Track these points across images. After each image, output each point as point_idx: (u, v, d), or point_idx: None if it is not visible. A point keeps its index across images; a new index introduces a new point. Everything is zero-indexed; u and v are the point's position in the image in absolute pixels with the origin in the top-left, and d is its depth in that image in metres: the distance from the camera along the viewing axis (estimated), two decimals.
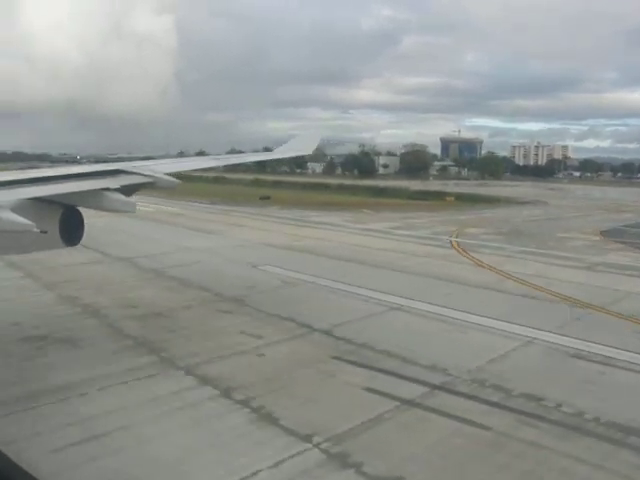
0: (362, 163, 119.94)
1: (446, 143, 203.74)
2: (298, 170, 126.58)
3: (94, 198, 7.00)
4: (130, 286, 15.23)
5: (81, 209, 7.39)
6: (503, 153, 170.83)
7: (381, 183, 78.88)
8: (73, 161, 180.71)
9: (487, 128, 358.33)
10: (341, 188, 68.85)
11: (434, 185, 79.70)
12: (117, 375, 8.94)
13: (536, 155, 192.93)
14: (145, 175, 8.20)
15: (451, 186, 78.84)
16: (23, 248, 7.52)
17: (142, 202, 41.16)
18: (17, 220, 5.44)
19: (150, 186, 8.53)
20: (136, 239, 23.47)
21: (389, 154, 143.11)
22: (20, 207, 6.01)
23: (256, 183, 77.67)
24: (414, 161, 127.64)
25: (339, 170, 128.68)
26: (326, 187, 70.26)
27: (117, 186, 7.30)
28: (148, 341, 10.75)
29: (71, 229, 7.17)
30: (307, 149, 14.32)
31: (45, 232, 6.24)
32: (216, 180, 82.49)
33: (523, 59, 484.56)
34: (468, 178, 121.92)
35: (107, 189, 7.14)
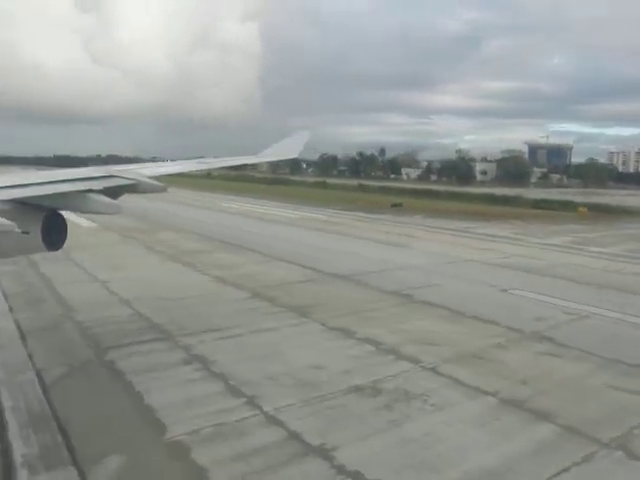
0: (459, 169, 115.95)
1: (533, 149, 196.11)
2: (392, 175, 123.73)
3: (76, 200, 6.92)
4: (392, 314, 13.06)
5: (66, 214, 7.22)
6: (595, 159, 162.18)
7: (493, 191, 75.12)
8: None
9: (573, 134, 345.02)
10: (453, 195, 65.84)
11: (545, 194, 75.00)
12: None
13: (637, 162, 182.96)
14: (127, 178, 8.17)
15: (565, 195, 73.97)
16: (3, 251, 7.08)
17: (277, 208, 40.40)
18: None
19: (133, 189, 8.24)
20: (326, 252, 21.70)
21: (483, 160, 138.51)
22: (1, 210, 5.86)
23: (362, 189, 75.62)
24: (512, 168, 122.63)
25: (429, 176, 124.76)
26: (436, 194, 67.43)
27: (100, 188, 7.22)
28: (542, 412, 8.20)
29: (54, 234, 6.93)
30: (292, 152, 13.64)
31: (27, 233, 6.15)
32: (319, 185, 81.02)
33: (611, 60, 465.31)
34: (570, 186, 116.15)
35: (89, 191, 7.04)
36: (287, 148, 13.73)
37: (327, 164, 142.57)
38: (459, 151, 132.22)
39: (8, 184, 6.68)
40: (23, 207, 6.45)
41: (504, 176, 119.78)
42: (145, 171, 9.40)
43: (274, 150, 13.68)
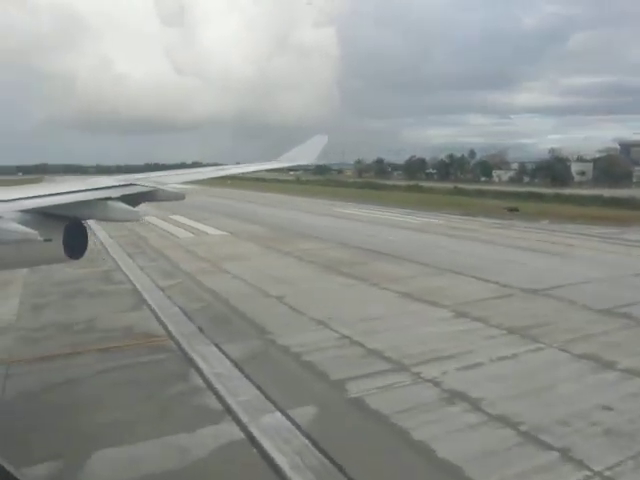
0: (555, 170, 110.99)
1: (626, 147, 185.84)
2: (483, 178, 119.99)
3: (96, 208, 6.99)
4: (629, 337, 11.19)
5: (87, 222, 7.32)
6: None
7: (600, 192, 70.86)
8: None
9: None
10: (559, 198, 62.32)
11: None
12: None
13: None
14: (145, 186, 8.33)
15: None
16: (26, 260, 7.21)
17: (389, 213, 38.93)
18: (20, 229, 5.43)
19: (152, 197, 8.29)
20: (489, 261, 20.01)
21: (579, 160, 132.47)
22: (23, 220, 5.89)
23: (459, 192, 73.13)
24: (611, 168, 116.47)
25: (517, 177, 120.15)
26: (540, 197, 64.10)
27: (118, 196, 7.32)
28: None
29: (75, 243, 6.91)
30: (310, 157, 13.61)
31: (49, 240, 6.29)
32: (412, 189, 79.17)
33: None
34: None
35: (109, 199, 7.11)
36: (305, 153, 13.71)
37: (414, 167, 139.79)
38: (552, 150, 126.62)
39: (29, 195, 6.74)
40: (45, 217, 6.49)
41: (602, 176, 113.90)
42: (165, 179, 9.60)
43: (293, 155, 13.75)
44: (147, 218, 33.71)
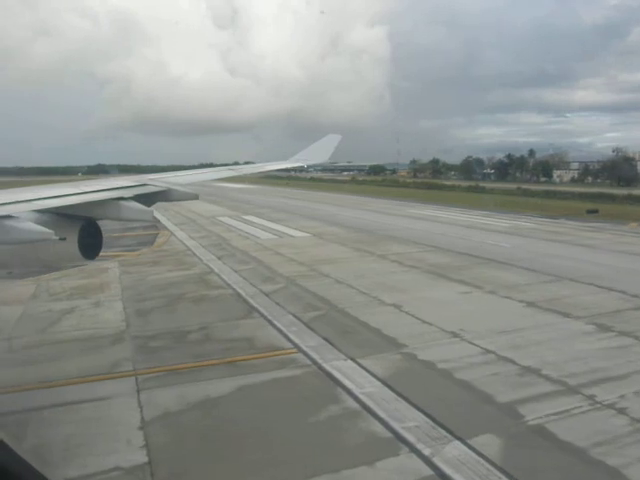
0: (622, 170, 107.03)
1: None
2: (543, 178, 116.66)
3: (109, 208, 7.10)
4: None
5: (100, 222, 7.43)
6: None
7: None
8: (301, 170, 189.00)
9: None
10: (632, 199, 59.68)
11: None
12: None
13: None
14: (158, 186, 8.56)
15: None
16: (42, 260, 7.18)
17: (465, 214, 37.57)
18: (36, 229, 5.54)
19: (165, 197, 8.53)
20: (627, 274, 18.22)
21: None
22: (39, 220, 6.02)
23: (524, 193, 70.92)
24: None
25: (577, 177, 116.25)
26: (611, 198, 61.68)
27: (131, 195, 7.44)
28: None
29: (89, 243, 7.08)
30: (324, 157, 13.74)
31: (64, 239, 6.28)
32: (474, 189, 77.36)
33: None
34: None
35: (121, 198, 7.23)
36: (318, 152, 13.81)
37: (470, 167, 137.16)
38: (617, 149, 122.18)
39: (45, 195, 6.71)
40: (60, 217, 6.56)
41: None
42: (178, 179, 9.69)
43: (305, 155, 13.88)
44: (221, 218, 33.47)
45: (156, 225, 32.19)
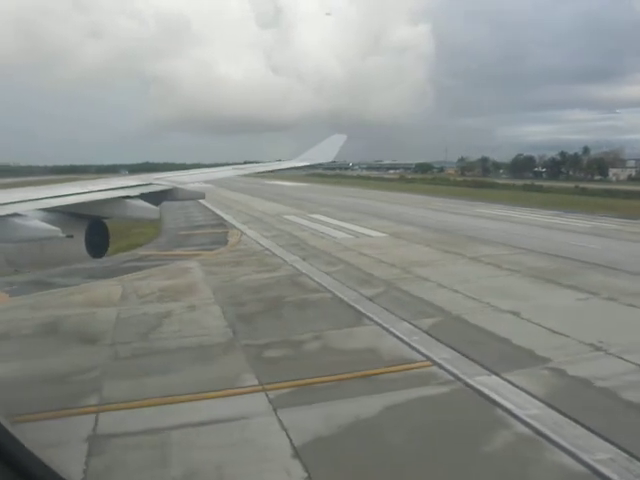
0: None
1: None
2: (597, 177, 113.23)
3: (115, 206, 7.15)
4: None
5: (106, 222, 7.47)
6: None
7: None
8: (346, 168, 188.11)
9: None
10: None
11: None
12: None
13: None
14: (163, 185, 8.62)
15: None
16: (49, 258, 7.16)
17: (536, 214, 35.96)
18: (43, 226, 5.62)
19: (172, 196, 8.54)
20: None
21: None
22: (46, 218, 6.05)
23: (583, 192, 68.66)
24: None
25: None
26: None
27: (136, 194, 7.47)
28: None
29: (97, 242, 7.14)
30: (329, 156, 13.82)
31: (71, 237, 6.43)
32: (529, 188, 75.21)
33: None
34: None
35: (127, 197, 7.27)
36: (323, 152, 13.86)
37: (521, 165, 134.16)
38: None
39: (52, 194, 6.72)
40: (67, 216, 6.60)
41: None
42: (184, 178, 9.68)
43: (311, 154, 13.94)
44: (287, 217, 32.88)
45: (223, 224, 31.74)
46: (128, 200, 7.32)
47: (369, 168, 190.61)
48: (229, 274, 17.55)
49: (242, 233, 27.26)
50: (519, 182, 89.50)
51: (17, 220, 5.56)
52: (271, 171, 16.11)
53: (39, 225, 5.70)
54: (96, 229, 7.24)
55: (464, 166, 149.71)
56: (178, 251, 22.66)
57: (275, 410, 7.99)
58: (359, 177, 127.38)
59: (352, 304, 13.64)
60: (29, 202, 6.19)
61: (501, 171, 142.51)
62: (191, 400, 8.39)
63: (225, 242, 24.78)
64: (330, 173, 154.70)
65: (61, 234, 5.74)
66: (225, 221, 33.01)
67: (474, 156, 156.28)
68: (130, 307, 13.82)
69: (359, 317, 12.58)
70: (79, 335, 11.65)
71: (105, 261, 20.05)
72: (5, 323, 12.66)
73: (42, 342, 11.31)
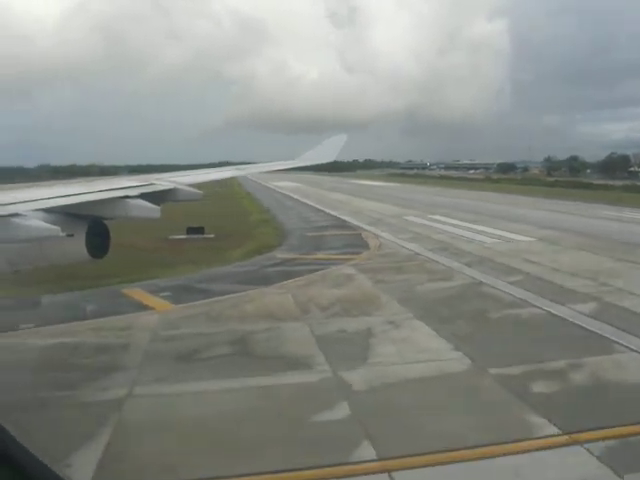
0: None
1: None
2: None
3: (117, 206, 7.21)
4: None
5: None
6: None
7: None
8: (424, 168, 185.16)
9: None
10: None
11: None
12: None
13: None
14: (164, 185, 8.70)
15: None
16: (49, 258, 7.04)
17: None
18: (42, 226, 5.70)
19: (172, 196, 8.59)
20: None
21: None
22: (45, 219, 6.06)
23: None
24: None
25: None
26: None
27: (136, 194, 7.51)
28: None
29: (97, 243, 7.11)
30: (330, 156, 13.88)
31: (72, 236, 6.43)
32: (634, 189, 70.08)
33: None
34: None
35: (127, 197, 7.31)
36: (324, 152, 13.77)
37: (613, 164, 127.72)
38: None
39: (51, 195, 6.80)
40: (67, 216, 6.56)
41: None
42: (184, 179, 9.74)
43: (312, 154, 13.86)
44: (408, 218, 31.29)
45: (346, 225, 30.38)
46: (129, 200, 7.33)
47: (448, 168, 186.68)
48: (401, 282, 15.94)
49: (376, 236, 25.63)
50: (617, 183, 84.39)
51: (17, 220, 5.58)
52: (272, 171, 15.64)
53: (39, 225, 5.73)
54: (96, 230, 7.14)
55: (550, 166, 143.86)
56: (319, 255, 21.23)
57: (621, 477, 6.14)
58: (442, 177, 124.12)
59: (577, 322, 11.81)
60: (28, 202, 6.18)
61: (588, 171, 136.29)
62: (486, 455, 6.65)
63: (364, 245, 23.25)
64: (410, 173, 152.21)
65: (61, 233, 5.79)
66: (346, 222, 31.61)
67: (557, 155, 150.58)
68: (318, 321, 12.38)
69: (600, 340, 10.69)
70: (283, 357, 10.20)
71: (243, 265, 18.89)
72: (191, 338, 11.34)
73: (245, 364, 9.99)
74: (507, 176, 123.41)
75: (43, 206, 6.33)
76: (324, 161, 14.27)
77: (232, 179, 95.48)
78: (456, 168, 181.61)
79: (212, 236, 26.38)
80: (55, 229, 5.82)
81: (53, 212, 6.43)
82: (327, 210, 39.13)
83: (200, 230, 26.61)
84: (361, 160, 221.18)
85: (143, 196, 7.68)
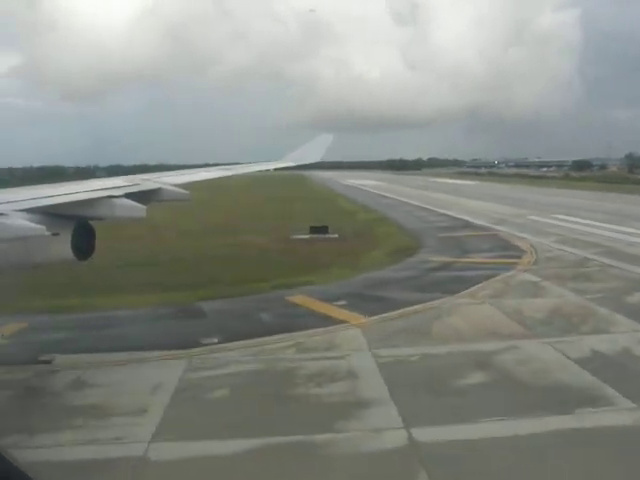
0: None
1: None
2: None
3: (102, 206, 7.12)
4: None
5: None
6: None
7: None
8: (491, 166, 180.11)
9: None
10: None
11: None
12: None
13: None
14: (150, 185, 8.66)
15: None
16: (34, 259, 6.85)
17: None
18: (26, 225, 5.68)
19: (158, 196, 8.43)
20: None
21: None
22: (30, 219, 6.03)
23: None
24: None
25: None
26: None
27: (121, 194, 7.44)
28: None
29: (83, 244, 7.03)
30: (315, 157, 14.09)
31: (57, 234, 6.38)
32: None
33: None
34: None
35: (112, 196, 7.27)
36: (310, 152, 14.04)
37: None
38: None
39: (35, 196, 6.88)
40: (52, 217, 6.47)
41: None
42: (169, 179, 9.65)
43: (297, 155, 14.22)
44: (533, 217, 29.03)
45: (470, 225, 28.38)
46: (113, 199, 7.24)
47: (517, 166, 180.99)
48: (604, 292, 13.81)
49: (518, 237, 23.45)
50: None
51: (0, 220, 5.57)
52: (258, 171, 15.79)
53: (23, 224, 5.73)
54: (82, 232, 7.04)
55: (632, 163, 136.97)
56: (475, 258, 19.33)
57: None
58: (517, 175, 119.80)
59: None
60: (11, 203, 6.17)
61: None
62: None
63: (515, 247, 21.17)
64: (482, 172, 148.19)
65: (46, 232, 5.78)
66: (469, 222, 29.49)
67: (638, 151, 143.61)
68: (557, 340, 10.42)
69: None
70: (560, 388, 8.35)
71: (400, 269, 17.17)
72: (423, 361, 9.52)
73: (521, 397, 8.12)
74: (585, 174, 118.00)
75: (27, 207, 6.26)
76: (309, 161, 14.34)
77: (302, 179, 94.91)
78: (526, 166, 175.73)
79: (336, 236, 24.65)
80: (40, 228, 5.77)
81: (38, 214, 6.32)
82: (435, 209, 37.27)
83: (323, 230, 24.92)
84: (425, 158, 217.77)
85: (128, 196, 7.52)
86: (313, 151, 14.15)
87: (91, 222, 7.40)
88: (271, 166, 15.05)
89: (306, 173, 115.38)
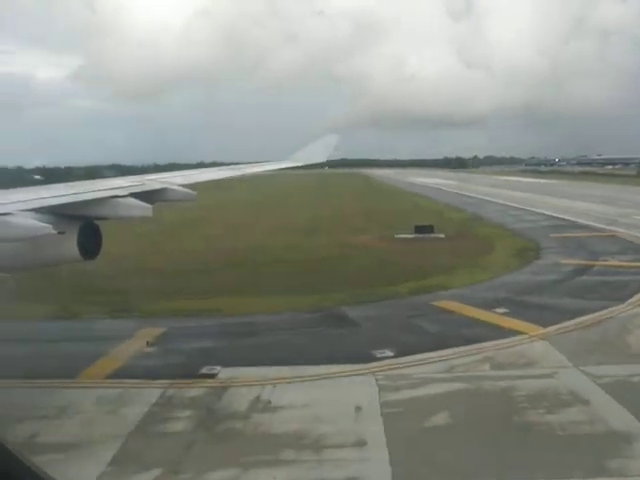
0: None
1: None
2: None
3: (107, 205, 7.12)
4: None
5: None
6: None
7: None
8: (552, 164, 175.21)
9: None
10: None
11: None
12: None
13: None
14: (155, 185, 8.65)
15: None
16: (42, 258, 6.98)
17: None
18: (33, 224, 5.74)
19: (164, 196, 8.39)
20: None
21: None
22: (37, 219, 6.05)
23: None
24: None
25: None
26: None
27: (126, 194, 7.43)
28: None
29: (89, 244, 7.01)
30: (321, 156, 14.30)
31: (63, 233, 6.30)
32: None
33: None
34: None
35: (117, 196, 7.27)
36: (316, 152, 14.20)
37: None
38: None
39: (40, 196, 6.92)
40: (59, 217, 6.51)
41: None
42: (177, 180, 9.60)
43: (303, 155, 14.20)
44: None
45: (581, 225, 26.62)
46: (119, 199, 7.26)
47: (580, 164, 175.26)
48: None
49: None
50: None
51: (7, 219, 5.64)
52: (266, 171, 15.74)
53: (31, 223, 5.80)
54: (88, 231, 6.99)
55: None
56: (611, 261, 18.06)
57: None
58: (583, 173, 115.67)
59: None
60: (19, 203, 6.25)
61: None
62: None
63: None
64: (544, 169, 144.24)
65: (52, 231, 5.82)
66: (574, 222, 27.92)
67: None
68: None
69: None
70: None
71: (534, 272, 15.93)
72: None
73: None
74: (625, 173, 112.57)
75: (34, 206, 6.29)
76: (316, 161, 14.47)
77: (367, 179, 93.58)
78: (589, 164, 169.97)
79: (442, 236, 23.48)
80: (47, 227, 5.80)
81: (45, 213, 6.33)
82: (525, 207, 35.59)
83: (429, 229, 23.80)
84: (481, 156, 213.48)
85: (133, 195, 7.51)
86: (318, 151, 14.24)
87: (97, 222, 7.37)
88: (279, 166, 14.94)
89: (362, 171, 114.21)
